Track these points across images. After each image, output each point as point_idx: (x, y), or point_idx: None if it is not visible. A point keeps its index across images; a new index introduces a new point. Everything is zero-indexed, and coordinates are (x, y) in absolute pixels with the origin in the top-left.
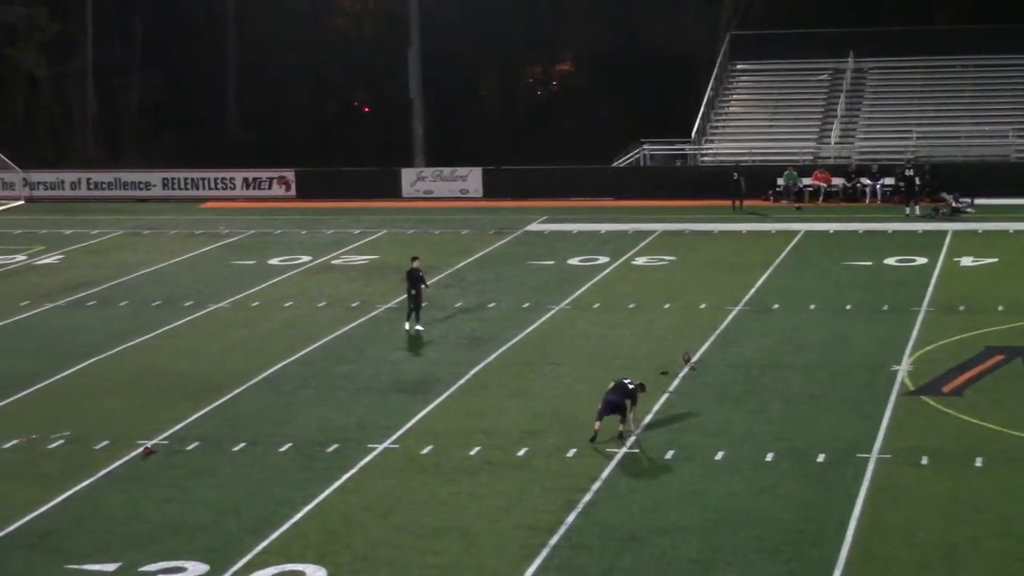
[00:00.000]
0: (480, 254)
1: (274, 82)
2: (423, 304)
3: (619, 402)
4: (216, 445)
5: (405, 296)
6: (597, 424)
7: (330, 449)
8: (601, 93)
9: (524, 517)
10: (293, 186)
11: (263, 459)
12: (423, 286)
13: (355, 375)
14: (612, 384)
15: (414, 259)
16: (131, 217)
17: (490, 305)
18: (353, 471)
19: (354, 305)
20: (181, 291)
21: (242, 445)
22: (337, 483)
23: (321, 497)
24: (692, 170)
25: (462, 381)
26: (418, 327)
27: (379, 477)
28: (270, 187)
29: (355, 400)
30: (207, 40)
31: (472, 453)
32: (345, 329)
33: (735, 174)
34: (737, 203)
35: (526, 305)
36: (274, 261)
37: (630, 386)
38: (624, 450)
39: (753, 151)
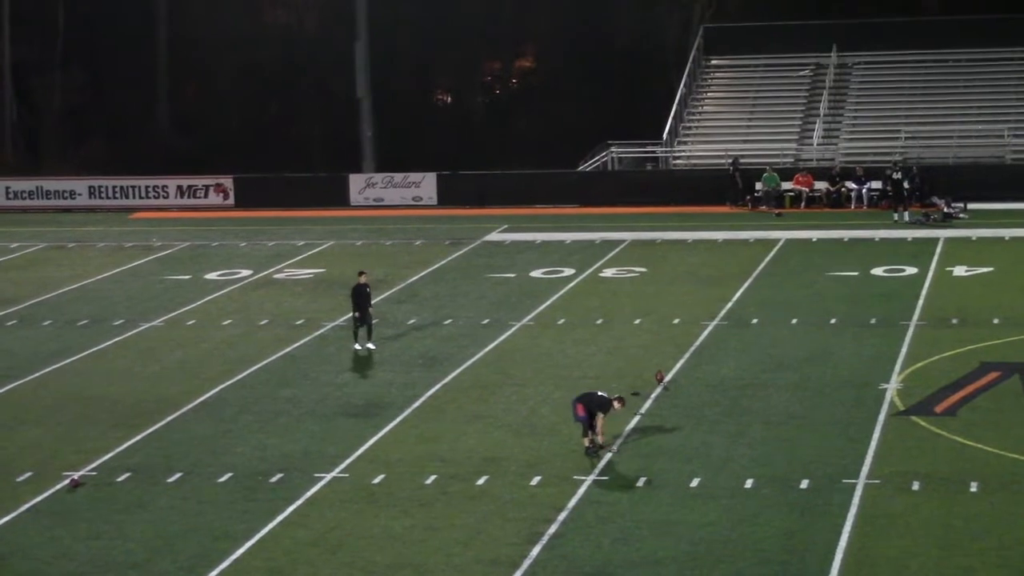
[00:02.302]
0: (435, 266)
1: (209, 81)
2: (374, 321)
3: (590, 415)
4: (149, 476)
5: (351, 315)
6: (586, 440)
7: (273, 479)
8: (565, 91)
9: (484, 551)
10: (231, 194)
11: (200, 491)
12: (369, 304)
13: (300, 399)
14: (581, 394)
15: (361, 274)
16: (54, 229)
17: (446, 322)
18: (298, 503)
19: (298, 323)
20: (110, 309)
21: (177, 476)
22: (281, 516)
23: (264, 531)
24: (664, 174)
25: (416, 404)
26: (369, 345)
27: (327, 509)
28: (206, 195)
29: (300, 426)
30: (135, 36)
31: (428, 482)
32: (289, 349)
33: (731, 168)
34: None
35: (485, 321)
36: (211, 276)
37: (600, 395)
38: (592, 477)
39: (729, 153)
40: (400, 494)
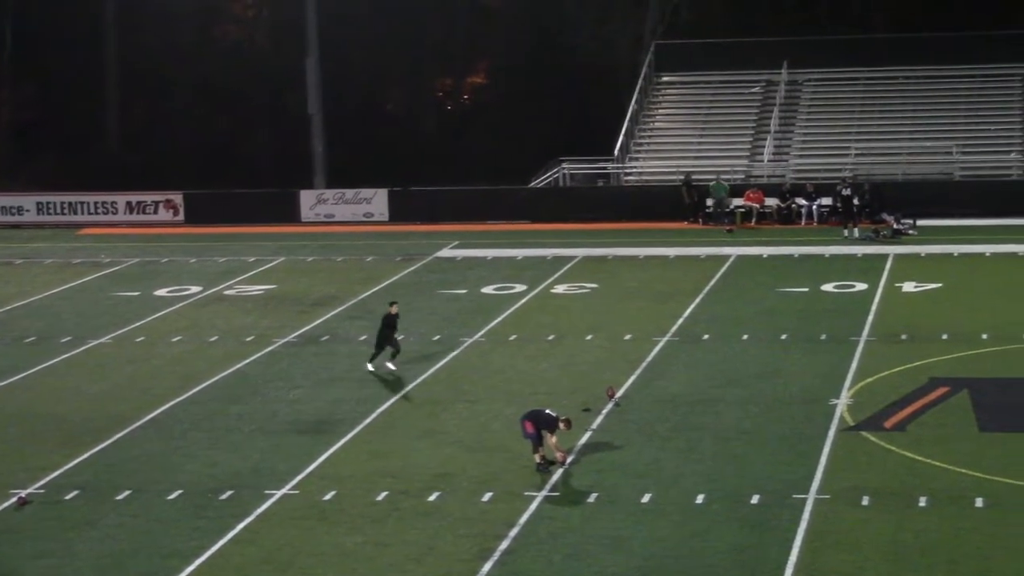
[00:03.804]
0: (387, 283)
1: (159, 96)
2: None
3: (538, 433)
4: (98, 494)
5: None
6: (537, 456)
7: (223, 496)
8: (516, 108)
9: (436, 567)
10: (181, 210)
11: (149, 508)
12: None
13: (250, 416)
14: (529, 411)
15: (392, 304)
16: (2, 245)
17: (398, 338)
18: (249, 520)
19: (249, 339)
20: (58, 326)
21: (126, 493)
22: (231, 533)
23: (213, 549)
24: (615, 190)
25: (367, 421)
26: (390, 366)
27: (277, 526)
28: (156, 211)
29: (250, 443)
30: (85, 51)
31: (379, 499)
32: (239, 366)
33: (685, 188)
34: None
35: (436, 337)
36: (161, 292)
37: (547, 413)
38: (544, 493)
39: (681, 170)
40: (351, 510)
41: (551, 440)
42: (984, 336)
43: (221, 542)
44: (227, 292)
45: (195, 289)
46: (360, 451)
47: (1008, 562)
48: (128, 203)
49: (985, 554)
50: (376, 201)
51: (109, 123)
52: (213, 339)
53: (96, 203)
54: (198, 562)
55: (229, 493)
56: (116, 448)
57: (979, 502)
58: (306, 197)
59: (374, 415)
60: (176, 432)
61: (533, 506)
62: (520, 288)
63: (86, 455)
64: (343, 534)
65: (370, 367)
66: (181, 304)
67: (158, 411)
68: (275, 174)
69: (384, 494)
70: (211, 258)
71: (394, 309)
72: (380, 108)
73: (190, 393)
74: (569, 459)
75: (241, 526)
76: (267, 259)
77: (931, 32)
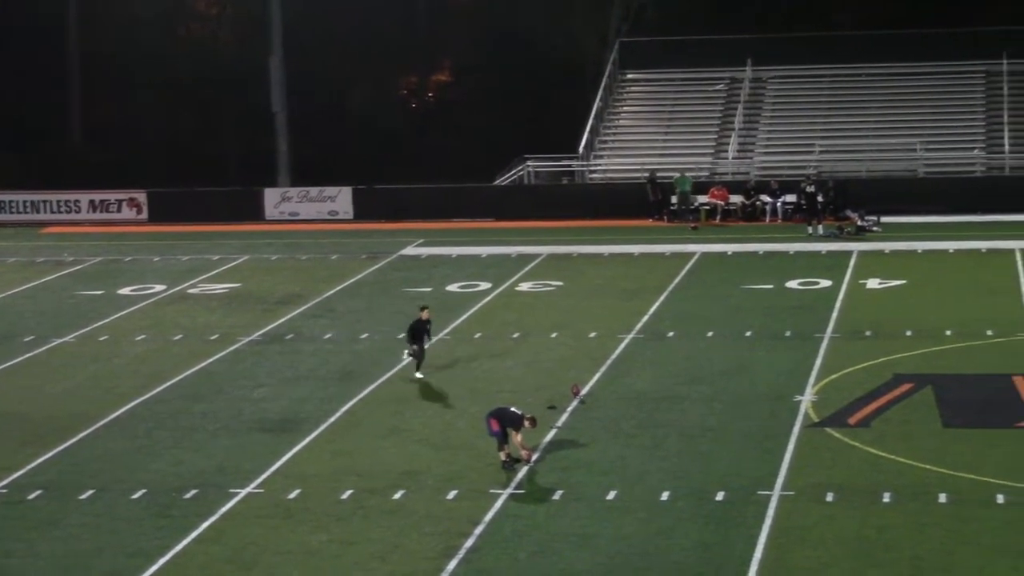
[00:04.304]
0: (351, 281)
1: (123, 95)
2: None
3: (503, 430)
4: (61, 493)
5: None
6: (502, 454)
7: (187, 495)
8: (481, 106)
9: (401, 565)
10: (145, 208)
11: (113, 508)
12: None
13: (214, 414)
14: (494, 409)
15: (423, 309)
16: None
17: (362, 336)
18: (213, 519)
19: (213, 338)
20: (21, 325)
21: (90, 493)
22: (195, 532)
23: (178, 548)
24: (580, 188)
25: (332, 419)
26: (417, 375)
27: (242, 525)
28: (119, 210)
29: (214, 442)
30: (48, 48)
31: (343, 497)
32: (203, 364)
33: (650, 185)
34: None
35: (401, 336)
36: (124, 291)
37: (513, 410)
38: (509, 491)
39: (645, 167)
40: (316, 509)
41: (516, 438)
42: (948, 332)
43: (185, 541)
44: (191, 291)
45: (159, 288)
46: (325, 449)
47: (971, 558)
48: (91, 201)
49: (948, 549)
50: (340, 199)
51: (72, 121)
52: (177, 338)
53: (59, 202)
54: (162, 561)
55: (193, 492)
56: (80, 447)
57: (942, 498)
58: (270, 195)
59: (339, 413)
60: (140, 431)
61: (498, 504)
62: (485, 286)
63: (49, 454)
64: (308, 532)
65: (418, 375)
66: (145, 303)
67: (122, 410)
68: (240, 172)
69: (349, 492)
70: (175, 256)
71: (425, 314)
72: (345, 106)
73: (154, 392)
74: (534, 457)
75: (205, 525)
76: (231, 257)
77: (895, 30)
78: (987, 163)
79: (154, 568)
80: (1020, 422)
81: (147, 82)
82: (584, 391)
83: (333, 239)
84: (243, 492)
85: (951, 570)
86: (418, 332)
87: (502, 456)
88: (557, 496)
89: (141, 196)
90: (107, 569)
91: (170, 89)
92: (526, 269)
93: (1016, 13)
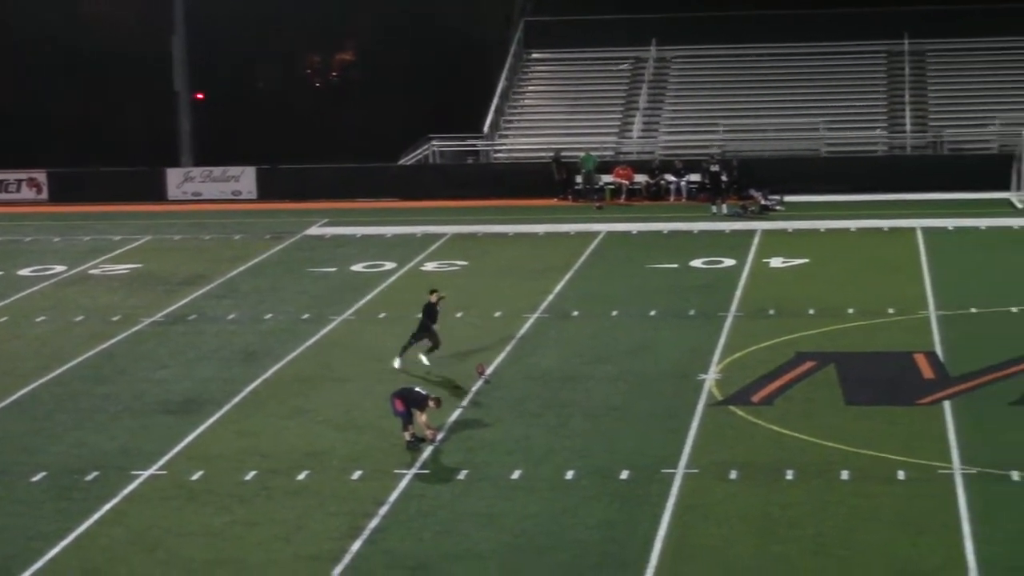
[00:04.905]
0: (255, 261)
1: (22, 71)
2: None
3: (408, 411)
4: None
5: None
6: (406, 434)
7: (89, 477)
8: (386, 85)
9: (305, 546)
10: (45, 189)
11: (13, 491)
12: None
13: (116, 396)
14: (399, 389)
15: (432, 292)
16: None
17: (266, 316)
18: (115, 501)
19: (115, 319)
20: None
21: None
22: (97, 514)
23: (79, 530)
24: (485, 168)
25: (236, 400)
26: (423, 358)
27: (144, 507)
28: (19, 190)
29: (117, 423)
30: None
31: (247, 478)
32: (105, 346)
33: (555, 165)
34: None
35: (306, 316)
36: (24, 272)
37: (418, 391)
38: (414, 471)
39: (551, 147)
40: (219, 490)
41: (421, 418)
42: (850, 311)
43: (87, 523)
44: (92, 271)
45: (59, 268)
46: (228, 430)
47: (873, 534)
48: None
49: (850, 526)
50: (244, 179)
51: None
52: (78, 319)
53: None
54: (63, 544)
55: (95, 474)
56: None
57: (844, 475)
58: (173, 175)
59: (243, 394)
60: (40, 413)
61: (403, 484)
62: (390, 266)
63: None
64: (211, 514)
65: (396, 363)
66: (45, 284)
67: (22, 392)
68: (142, 152)
69: (253, 473)
70: (76, 237)
71: (434, 297)
72: (249, 86)
73: (55, 373)
74: (439, 436)
75: (107, 507)
76: (133, 238)
77: (798, 10)
78: (889, 142)
79: (55, 551)
80: (921, 399)
81: (49, 61)
82: (489, 370)
83: (237, 219)
84: (146, 474)
85: (853, 546)
86: (428, 317)
87: (407, 436)
88: (462, 476)
89: (41, 176)
90: (7, 553)
91: (73, 68)
92: (431, 249)
93: None
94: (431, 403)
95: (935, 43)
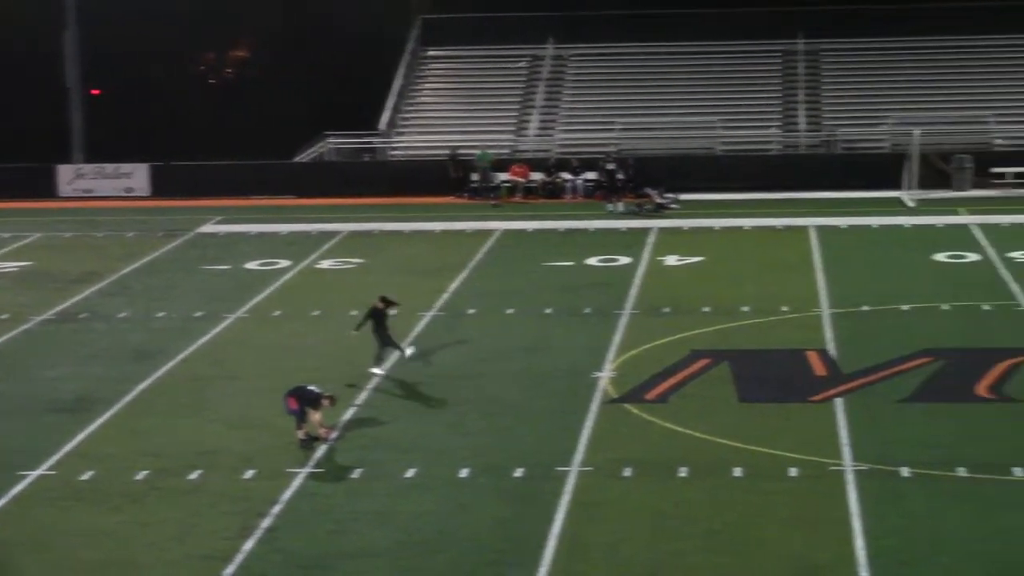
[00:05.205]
0: (147, 259)
1: None
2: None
3: (301, 409)
4: None
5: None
6: (300, 433)
7: None
8: (281, 81)
9: (197, 546)
10: None
11: None
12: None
13: (5, 395)
14: (293, 388)
15: (383, 299)
16: None
17: (159, 315)
18: (3, 501)
19: (3, 317)
20: None
21: None
22: None
23: None
24: (381, 165)
25: (127, 399)
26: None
27: (33, 507)
28: None
29: (5, 423)
30: None
31: (138, 478)
32: None
33: (451, 163)
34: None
35: (199, 314)
36: None
37: (310, 389)
38: (308, 470)
39: (447, 144)
40: (110, 490)
41: (315, 417)
42: (744, 309)
43: None
44: None
45: None
46: (120, 430)
47: (765, 530)
48: None
49: (744, 523)
50: (137, 176)
51: None
52: None
53: None
54: None
55: None
56: None
57: (738, 472)
58: (64, 172)
59: (134, 393)
60: None
61: (296, 483)
62: (284, 264)
63: None
64: (102, 514)
65: (376, 371)
66: None
67: None
68: (32, 149)
69: (144, 473)
70: None
71: (380, 303)
72: (142, 82)
73: None
74: (334, 435)
75: None
76: (23, 235)
77: (694, 8)
78: (783, 141)
79: None
80: (813, 396)
81: None
82: (385, 368)
83: (129, 216)
84: (35, 474)
85: (747, 543)
86: (376, 322)
87: (300, 435)
88: (356, 474)
89: None
90: None
91: None
92: (326, 246)
93: None
94: (325, 401)
95: (829, 43)
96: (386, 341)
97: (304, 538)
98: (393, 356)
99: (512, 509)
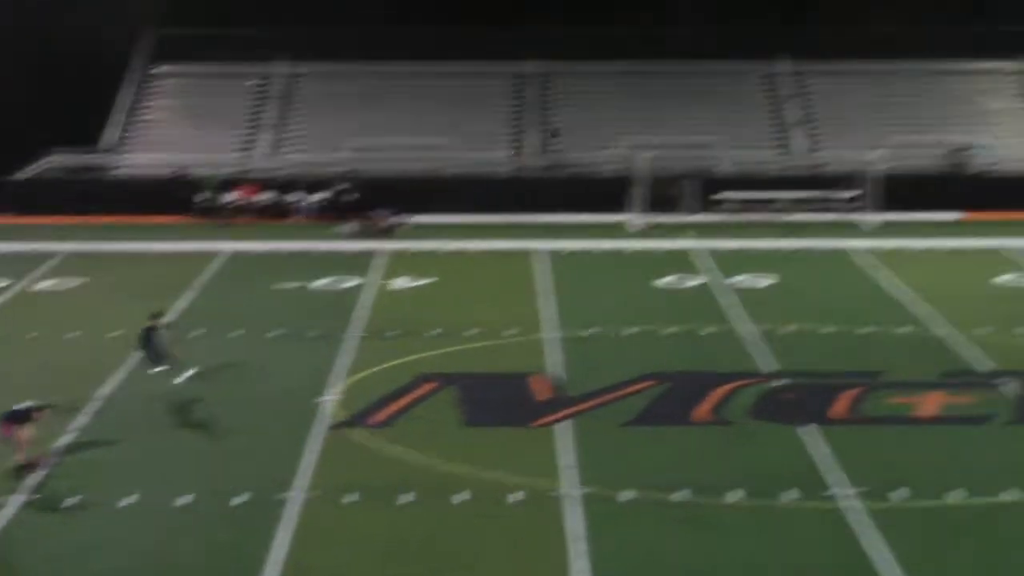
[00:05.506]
0: None
1: None
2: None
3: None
4: None
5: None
6: (15, 458)
7: None
8: (3, 96)
9: None
10: None
11: None
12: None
13: None
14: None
15: (153, 316)
16: None
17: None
18: None
19: None
20: None
21: None
22: None
23: None
24: (107, 183)
25: None
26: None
27: None
28: None
29: None
30: None
31: None
32: None
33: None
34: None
35: None
36: None
37: (17, 408)
38: (22, 498)
39: (175, 163)
40: None
41: (24, 433)
42: (473, 332)
43: None
44: None
45: None
46: None
47: (490, 553)
48: None
49: (467, 548)
50: None
51: None
52: None
53: None
54: None
55: None
56: None
57: (462, 496)
58: None
59: None
60: None
61: (10, 512)
62: (3, 284)
63: None
64: None
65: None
66: None
67: None
68: None
69: None
70: None
71: (149, 320)
72: None
73: None
74: (51, 461)
75: None
76: None
77: (426, 26)
78: (512, 163)
79: None
80: (537, 421)
81: None
82: (104, 391)
83: None
84: None
85: (472, 568)
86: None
87: (19, 459)
88: (71, 503)
89: None
90: None
91: None
92: (45, 267)
93: (541, 16)
94: (35, 415)
95: (560, 65)
96: (162, 355)
97: (12, 570)
98: (184, 366)
99: (233, 535)
